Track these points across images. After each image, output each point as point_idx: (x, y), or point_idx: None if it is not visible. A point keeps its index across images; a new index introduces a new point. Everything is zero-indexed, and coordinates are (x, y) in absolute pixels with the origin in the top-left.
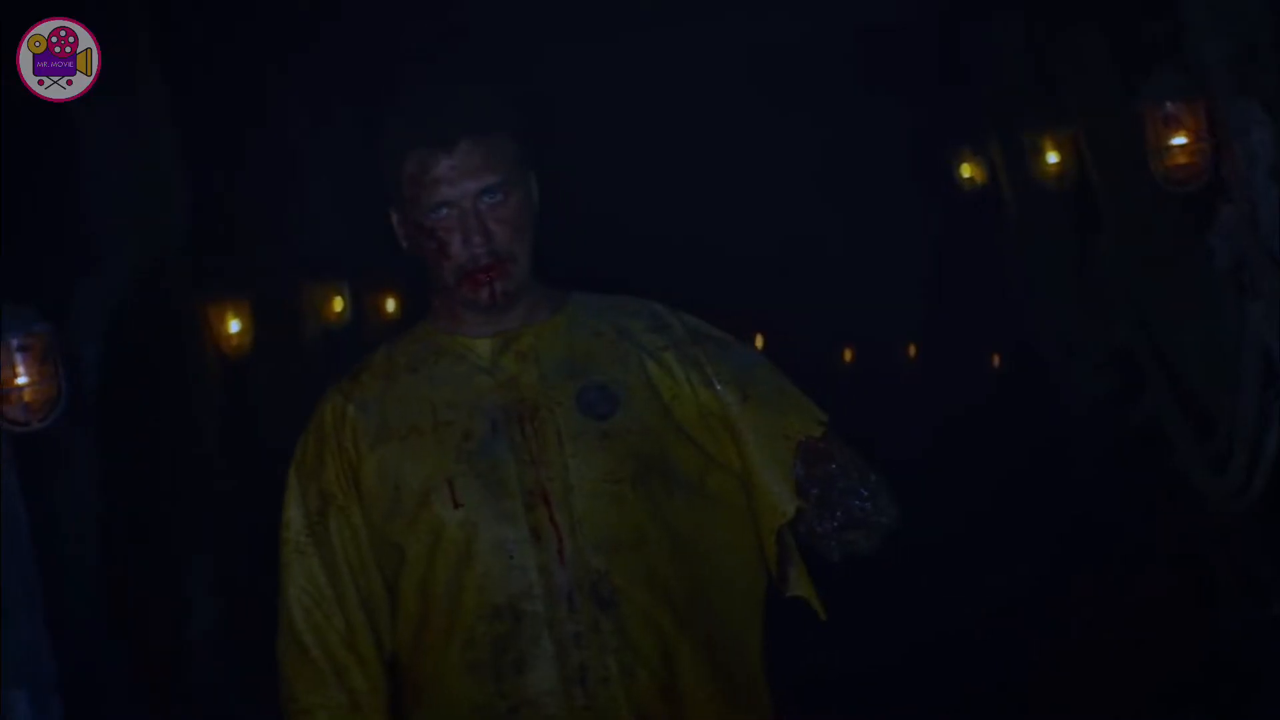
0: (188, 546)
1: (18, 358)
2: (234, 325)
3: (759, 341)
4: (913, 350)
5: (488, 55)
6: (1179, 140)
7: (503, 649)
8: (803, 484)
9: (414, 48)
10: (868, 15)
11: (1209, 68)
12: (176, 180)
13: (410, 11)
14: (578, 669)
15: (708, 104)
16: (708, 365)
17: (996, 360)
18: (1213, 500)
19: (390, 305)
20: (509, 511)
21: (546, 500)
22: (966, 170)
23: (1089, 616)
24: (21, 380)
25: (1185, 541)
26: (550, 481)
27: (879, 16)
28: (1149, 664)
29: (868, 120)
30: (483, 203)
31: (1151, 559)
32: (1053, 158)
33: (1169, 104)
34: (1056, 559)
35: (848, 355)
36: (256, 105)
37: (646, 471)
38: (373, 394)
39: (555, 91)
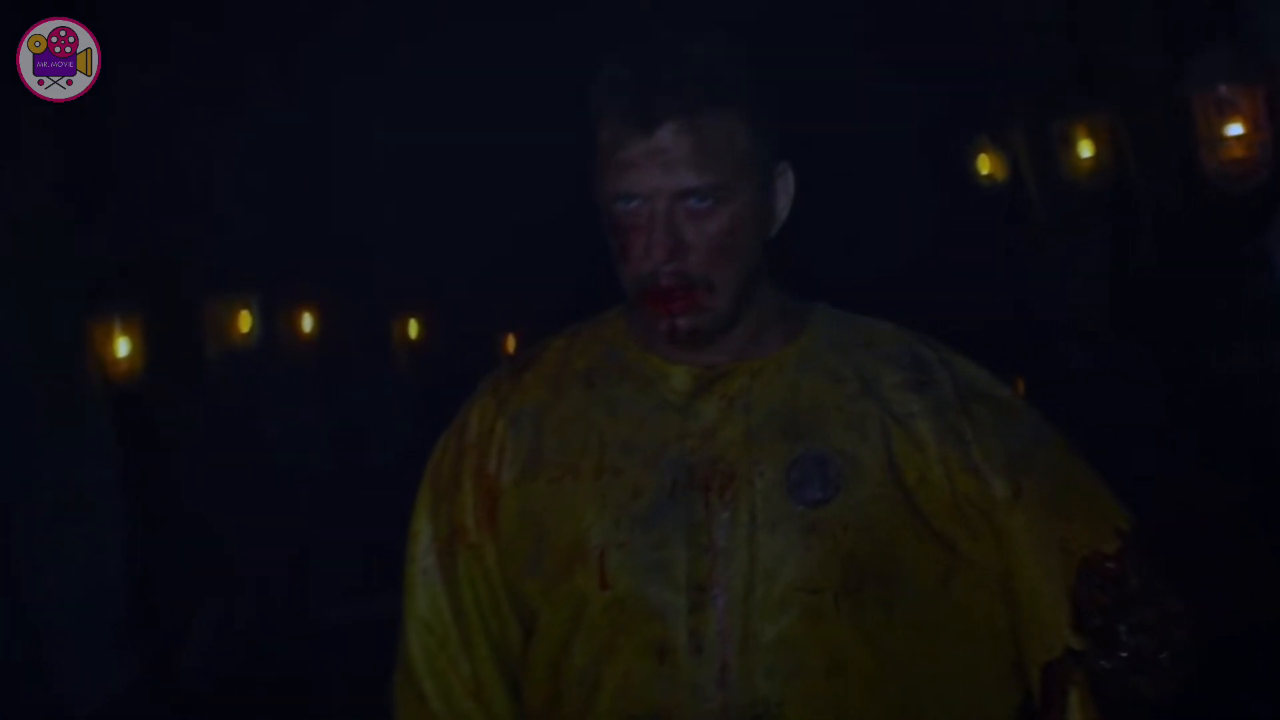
0: (85, 595)
1: None
2: (123, 346)
3: None
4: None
5: (421, 25)
6: (1234, 129)
7: None
8: (1084, 612)
9: (320, 30)
10: None
11: (1268, 44)
12: (57, 182)
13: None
14: None
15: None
16: (974, 444)
17: (1020, 384)
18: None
19: (307, 323)
20: (668, 606)
21: (718, 600)
22: (985, 164)
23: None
24: None
25: (1238, 566)
26: (729, 578)
27: None
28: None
29: (870, 104)
30: (682, 206)
31: (1200, 583)
32: (1086, 150)
33: (1223, 87)
34: None
35: None
36: (150, 95)
37: (861, 579)
38: (532, 405)
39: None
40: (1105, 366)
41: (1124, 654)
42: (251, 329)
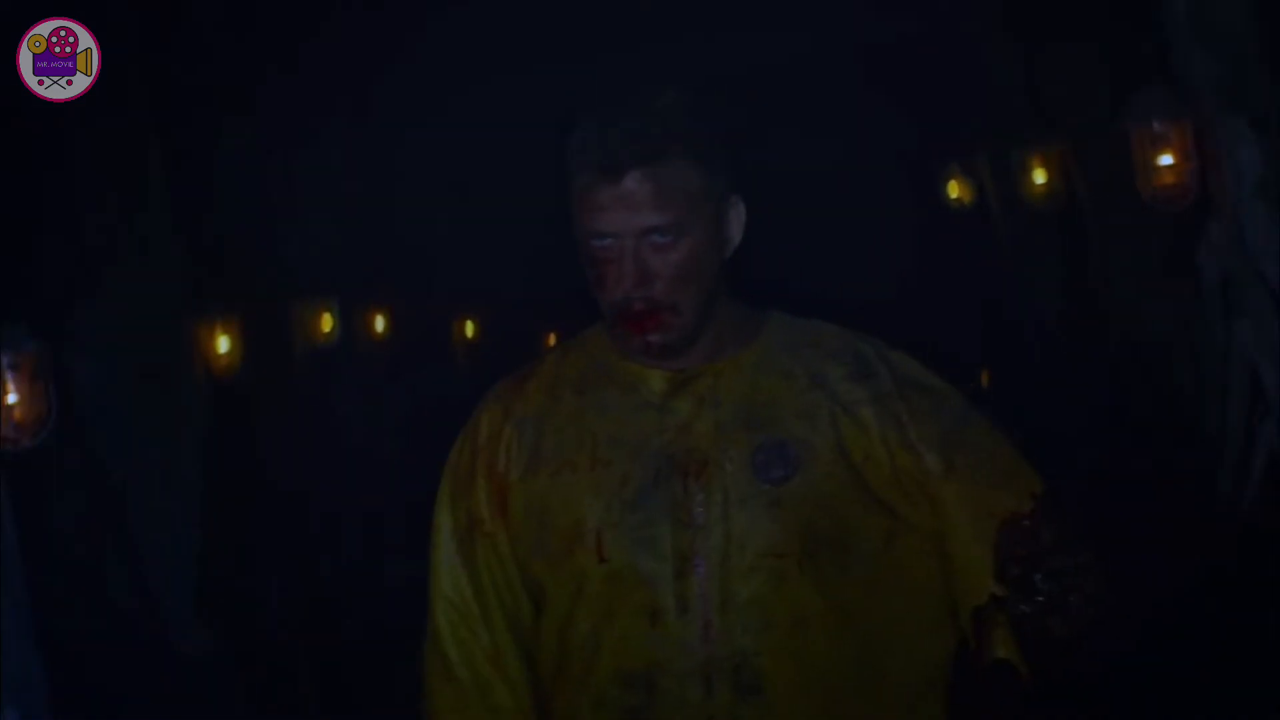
0: (179, 566)
1: (8, 376)
2: (223, 344)
3: None
4: None
5: (478, 67)
6: (1166, 159)
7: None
8: (1004, 565)
9: (404, 62)
10: (859, 34)
11: (1196, 86)
12: (166, 196)
13: (402, 25)
14: None
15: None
16: (911, 426)
17: (985, 378)
18: (1201, 517)
19: (380, 324)
20: (656, 575)
21: (699, 568)
22: (954, 189)
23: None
24: (12, 399)
25: (1173, 559)
26: (707, 548)
27: (870, 35)
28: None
29: (857, 138)
30: (648, 242)
31: (1139, 575)
32: (1040, 176)
33: (1156, 123)
34: None
35: None
36: (246, 118)
37: (818, 545)
38: (533, 411)
39: (552, 106)
40: (1059, 360)
41: (1040, 598)
42: (333, 329)
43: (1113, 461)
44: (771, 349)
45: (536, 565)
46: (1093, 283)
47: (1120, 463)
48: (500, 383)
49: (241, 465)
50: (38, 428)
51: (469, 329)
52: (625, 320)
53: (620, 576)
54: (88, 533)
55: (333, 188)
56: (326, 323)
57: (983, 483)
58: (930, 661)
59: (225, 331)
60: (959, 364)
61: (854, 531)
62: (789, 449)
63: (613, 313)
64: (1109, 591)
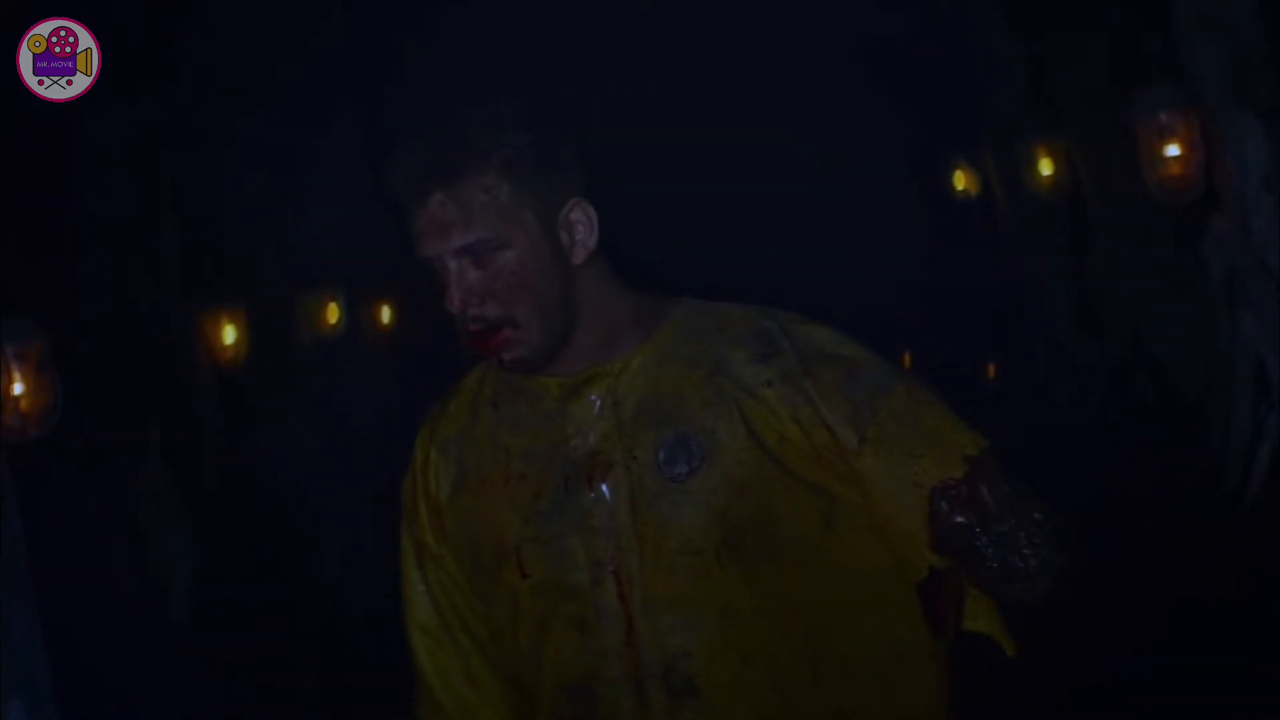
0: (182, 557)
1: (14, 366)
2: (229, 335)
3: None
4: (907, 360)
5: (480, 64)
6: (1172, 151)
7: None
8: (944, 536)
9: (413, 53)
10: (864, 28)
11: (1202, 79)
12: (172, 187)
13: (411, 16)
14: None
15: (703, 115)
16: (820, 402)
17: (991, 371)
18: (1205, 512)
19: (385, 315)
20: (576, 585)
21: (616, 574)
22: (960, 181)
23: (1077, 626)
24: (18, 389)
25: (1177, 553)
26: (621, 553)
27: (875, 29)
28: (1137, 669)
29: (863, 131)
30: (468, 261)
31: (1143, 570)
32: (1046, 168)
33: (1162, 115)
34: None
35: None
36: (249, 109)
37: (740, 537)
38: (454, 432)
39: (552, 103)
40: (1064, 352)
41: (992, 564)
42: (339, 320)
43: (1118, 453)
44: (673, 340)
45: (476, 584)
46: (1098, 275)
47: (1125, 454)
48: (432, 406)
49: (246, 456)
50: (44, 418)
51: None
52: (470, 342)
53: (544, 590)
54: (92, 524)
55: (339, 178)
56: (332, 314)
57: (901, 451)
58: (901, 639)
59: (230, 322)
60: (965, 356)
61: (781, 517)
62: (692, 442)
63: (460, 335)
64: (1068, 549)
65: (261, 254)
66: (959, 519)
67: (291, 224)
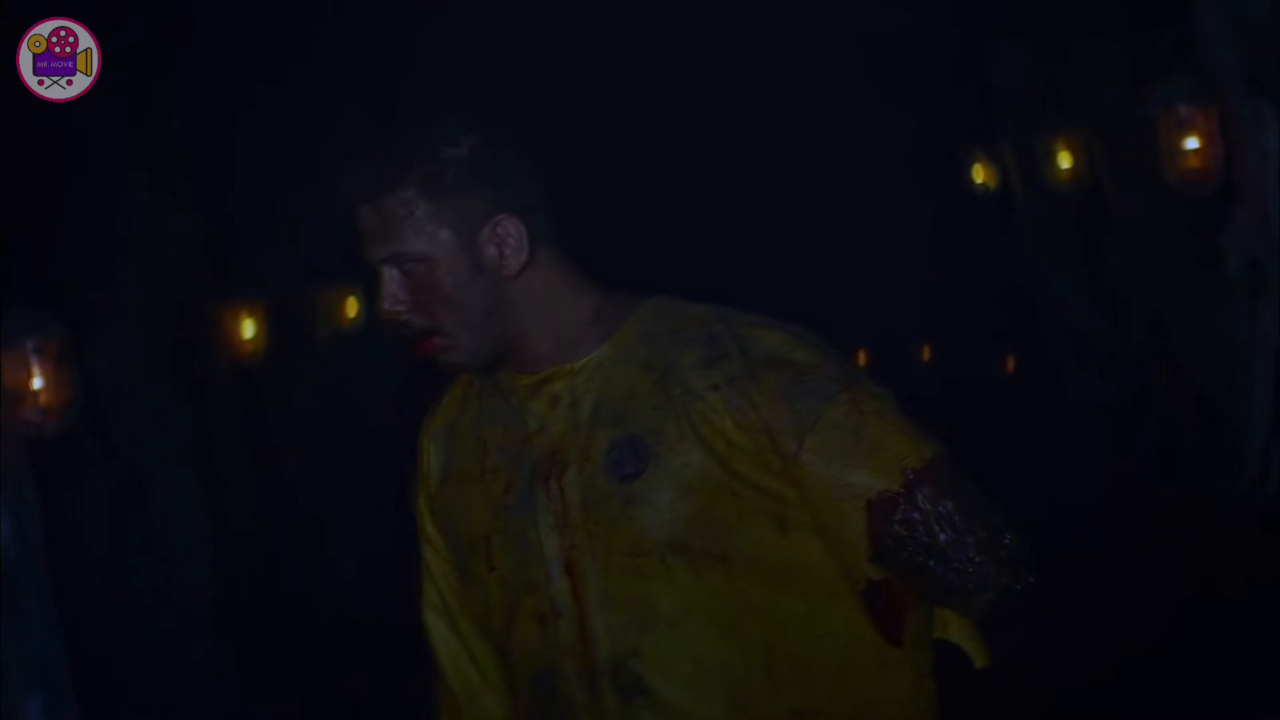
0: (199, 552)
1: (33, 360)
2: (248, 329)
3: None
4: (926, 353)
5: (492, 56)
6: (1191, 143)
7: (543, 718)
8: (885, 548)
9: (423, 46)
10: (881, 21)
11: (1221, 71)
12: (189, 180)
13: (426, 7)
14: None
15: (718, 108)
16: (763, 407)
17: (1010, 364)
18: (1223, 504)
19: None
20: (536, 580)
21: (570, 571)
22: (979, 174)
23: (1098, 621)
24: (37, 384)
25: (1195, 546)
26: (574, 551)
27: (893, 22)
28: (1153, 667)
29: (881, 125)
30: (399, 269)
31: (1161, 563)
32: (1064, 161)
33: (1181, 107)
34: (1065, 562)
35: (862, 358)
36: (270, 101)
37: (685, 537)
38: (443, 426)
39: (558, 96)
40: (1082, 345)
41: (932, 578)
42: (358, 314)
43: (1135, 445)
44: (630, 342)
45: (460, 572)
46: (1116, 268)
47: (1143, 446)
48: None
49: (264, 450)
50: (63, 412)
51: None
52: (409, 345)
53: (509, 583)
54: (110, 519)
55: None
56: (351, 307)
57: (841, 463)
58: (869, 643)
59: (249, 316)
60: (983, 349)
61: (729, 521)
62: (640, 444)
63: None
64: (1017, 567)
65: (281, 248)
66: (897, 532)
67: (310, 217)
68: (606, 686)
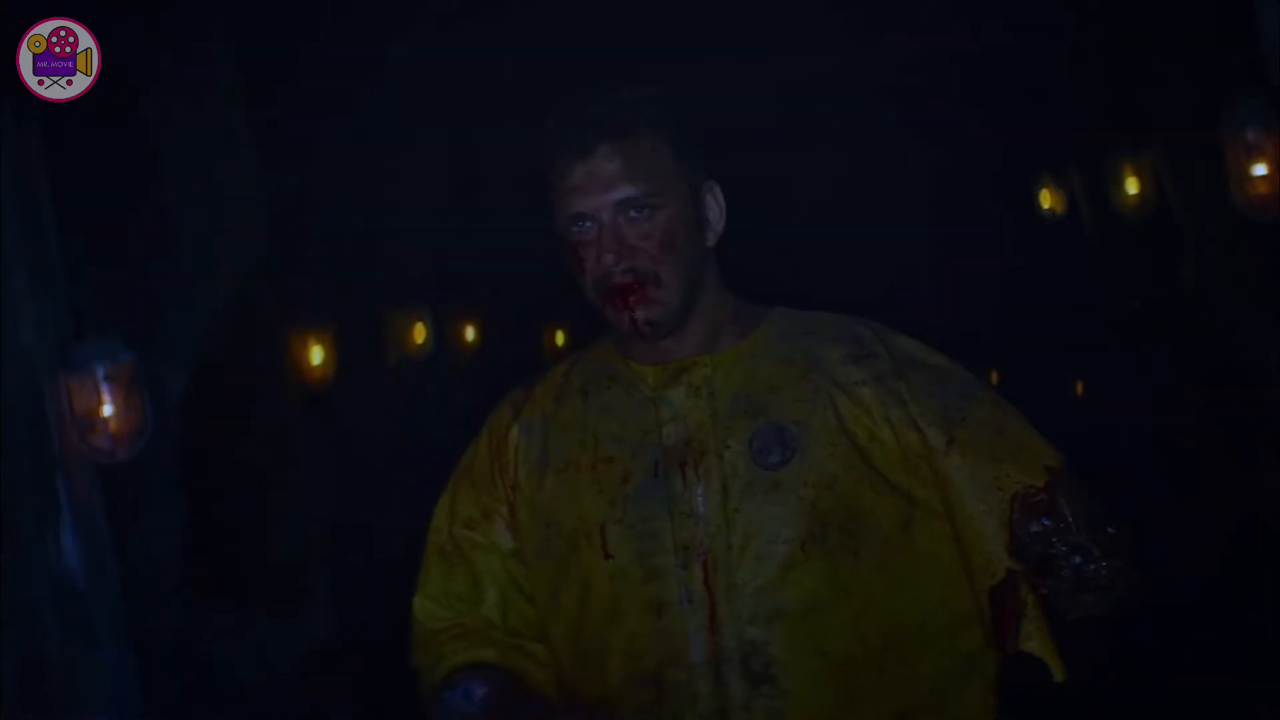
0: (270, 575)
1: (104, 387)
2: (317, 355)
3: None
4: (995, 377)
5: (561, 83)
6: (1260, 169)
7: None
8: (1023, 541)
9: (490, 71)
10: (950, 44)
11: None
12: (260, 205)
13: (488, 24)
14: None
15: (792, 130)
16: (911, 403)
17: (1080, 388)
18: None
19: (470, 334)
20: (661, 568)
21: (704, 559)
22: (1046, 199)
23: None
24: (108, 410)
25: (1264, 573)
26: (710, 538)
27: (961, 45)
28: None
29: (950, 149)
30: (625, 217)
31: (1226, 589)
32: (1133, 186)
33: (1250, 132)
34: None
35: None
36: (341, 124)
37: (825, 529)
38: (539, 415)
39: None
40: (1150, 369)
41: (1064, 573)
42: (425, 339)
43: (1203, 475)
44: (769, 338)
45: (543, 565)
46: (1186, 293)
47: (1211, 475)
48: (512, 390)
49: (335, 475)
50: (134, 439)
51: (559, 338)
52: (610, 296)
53: (625, 573)
54: (181, 543)
55: (425, 195)
56: (419, 333)
57: (989, 457)
58: (961, 652)
59: (319, 342)
60: (1052, 373)
61: (864, 515)
62: (786, 433)
63: (597, 292)
64: (1139, 565)
65: (350, 273)
66: (1038, 526)
67: (378, 243)
68: (734, 675)
